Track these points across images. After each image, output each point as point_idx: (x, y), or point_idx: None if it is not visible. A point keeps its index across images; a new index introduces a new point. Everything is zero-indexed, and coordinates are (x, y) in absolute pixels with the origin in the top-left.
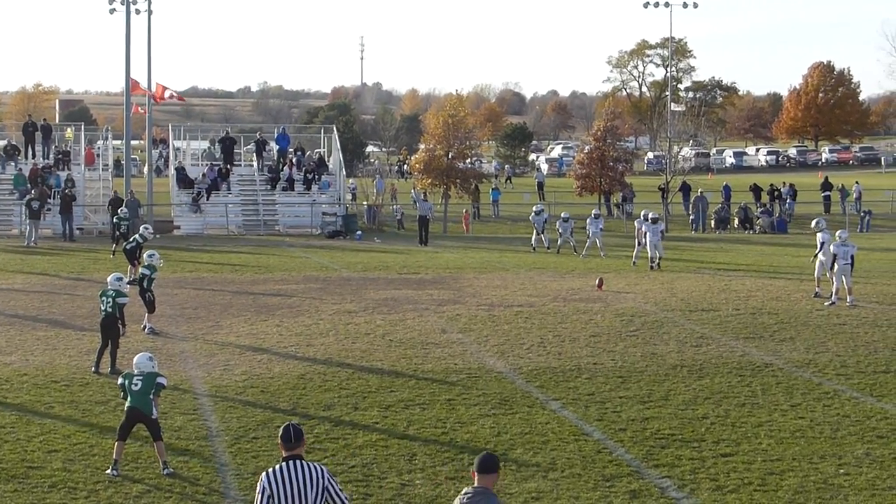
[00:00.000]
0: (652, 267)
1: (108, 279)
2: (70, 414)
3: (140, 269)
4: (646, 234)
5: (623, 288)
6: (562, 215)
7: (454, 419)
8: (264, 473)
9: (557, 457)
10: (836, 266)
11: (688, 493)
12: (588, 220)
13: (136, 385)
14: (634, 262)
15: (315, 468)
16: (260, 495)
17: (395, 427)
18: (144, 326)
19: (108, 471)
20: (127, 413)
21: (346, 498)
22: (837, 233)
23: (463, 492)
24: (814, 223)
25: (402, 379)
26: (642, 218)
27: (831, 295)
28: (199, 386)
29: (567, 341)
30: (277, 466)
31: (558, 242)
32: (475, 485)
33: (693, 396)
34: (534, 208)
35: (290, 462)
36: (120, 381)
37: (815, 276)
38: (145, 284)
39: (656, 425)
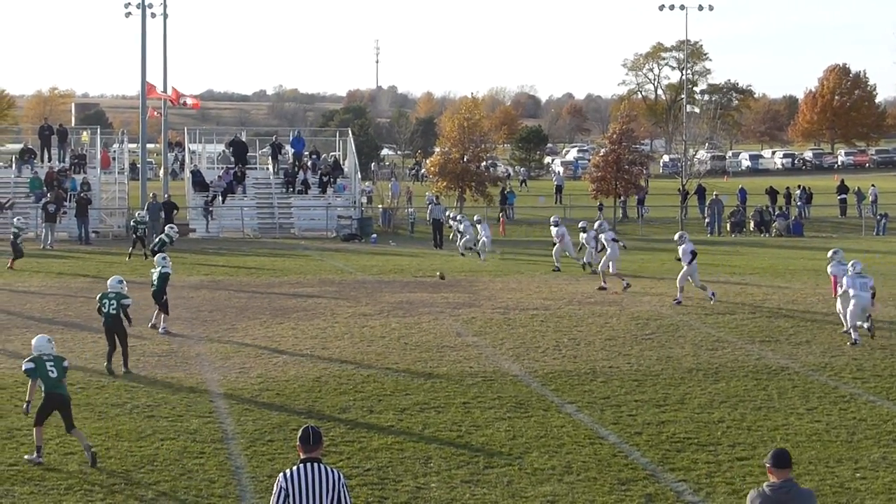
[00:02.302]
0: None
1: (109, 282)
2: (86, 416)
3: (159, 270)
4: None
5: (639, 291)
6: (580, 224)
7: (469, 422)
8: (282, 474)
9: (573, 460)
10: (852, 304)
11: (704, 497)
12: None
13: (52, 371)
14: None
15: (332, 472)
16: (277, 495)
17: (410, 430)
18: (154, 325)
19: (30, 456)
20: (47, 399)
21: None
22: (851, 263)
23: (765, 486)
24: (829, 253)
25: (418, 382)
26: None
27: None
28: (215, 388)
29: (582, 344)
30: (295, 467)
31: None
32: (773, 480)
33: (709, 400)
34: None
35: (309, 464)
36: (28, 366)
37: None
38: (159, 283)
39: (672, 429)
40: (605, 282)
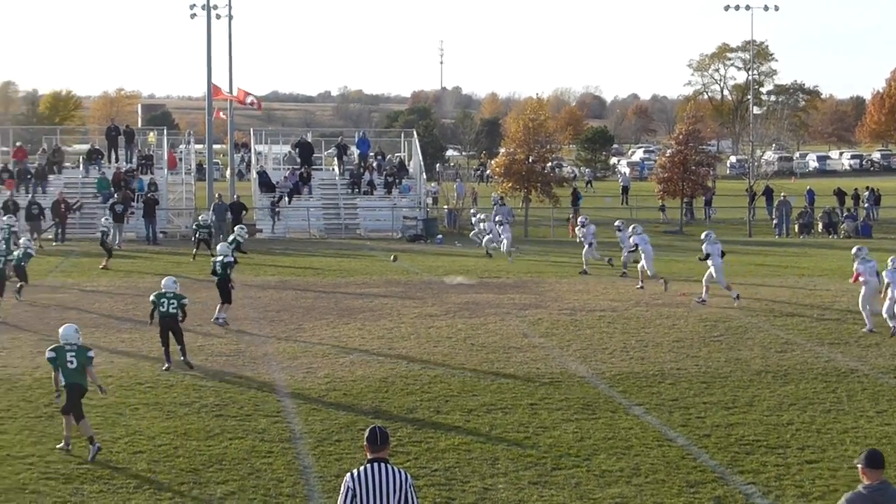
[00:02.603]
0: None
1: (164, 282)
2: (155, 415)
3: (222, 259)
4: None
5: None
6: (615, 223)
7: (537, 423)
8: (349, 474)
9: (641, 462)
10: (863, 289)
11: (773, 499)
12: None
13: (71, 362)
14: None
15: (399, 473)
16: (344, 495)
17: (477, 431)
18: (217, 318)
19: (60, 445)
20: (66, 389)
21: None
22: (890, 259)
23: (861, 487)
24: (854, 250)
25: (485, 383)
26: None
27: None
28: (283, 388)
29: (650, 346)
30: (362, 467)
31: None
32: (867, 482)
33: (778, 402)
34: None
35: (375, 464)
36: (50, 355)
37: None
38: (223, 271)
39: (741, 431)
40: (642, 281)
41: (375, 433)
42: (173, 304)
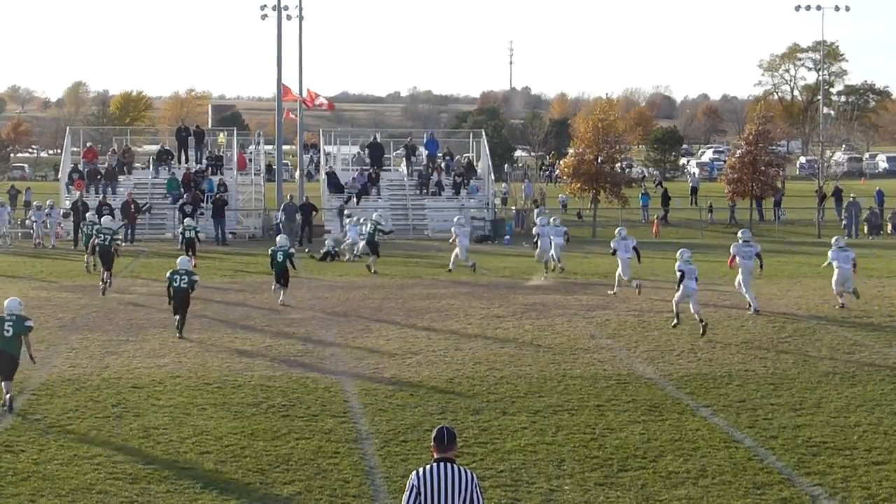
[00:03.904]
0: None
1: (179, 261)
2: (222, 416)
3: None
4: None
5: (775, 294)
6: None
7: (603, 425)
8: (415, 472)
9: (708, 464)
10: (835, 274)
11: (839, 501)
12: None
13: (7, 330)
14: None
15: (465, 472)
16: (408, 493)
17: (543, 432)
18: (281, 301)
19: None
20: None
21: None
22: (834, 239)
23: None
24: (833, 240)
25: (551, 384)
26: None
27: None
28: (350, 389)
29: (718, 347)
30: (428, 466)
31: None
32: None
33: (845, 404)
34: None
35: (442, 464)
36: None
37: None
38: (282, 261)
39: (808, 433)
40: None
41: (443, 433)
42: (184, 279)
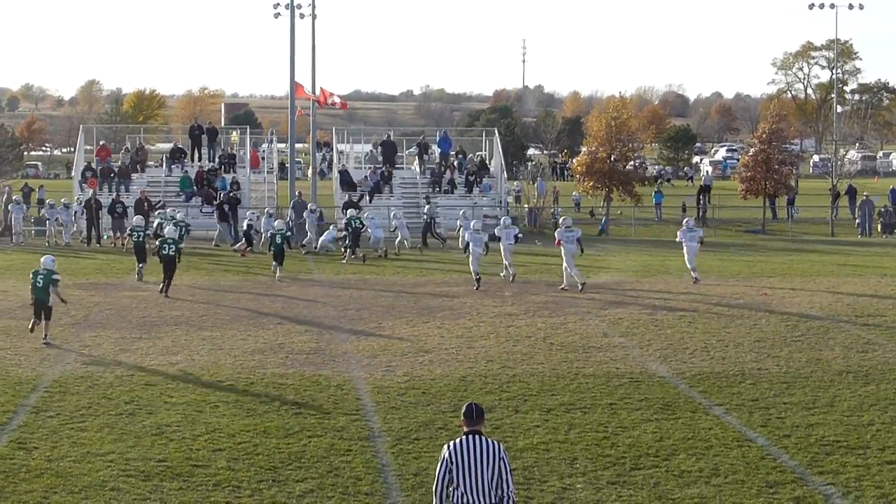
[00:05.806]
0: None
1: (166, 230)
2: (235, 413)
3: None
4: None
5: (788, 293)
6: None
7: (616, 423)
8: (446, 445)
9: (720, 462)
10: (685, 251)
11: (852, 500)
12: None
13: (38, 282)
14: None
15: (493, 444)
16: (441, 465)
17: (556, 430)
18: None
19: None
20: (35, 302)
21: (511, 481)
22: (685, 220)
23: None
24: (684, 220)
25: (564, 382)
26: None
27: None
28: (362, 386)
29: (731, 346)
30: (459, 439)
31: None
32: None
33: (859, 403)
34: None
35: (471, 436)
36: (31, 277)
37: None
38: (280, 243)
39: (821, 432)
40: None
41: (472, 408)
42: (172, 248)
